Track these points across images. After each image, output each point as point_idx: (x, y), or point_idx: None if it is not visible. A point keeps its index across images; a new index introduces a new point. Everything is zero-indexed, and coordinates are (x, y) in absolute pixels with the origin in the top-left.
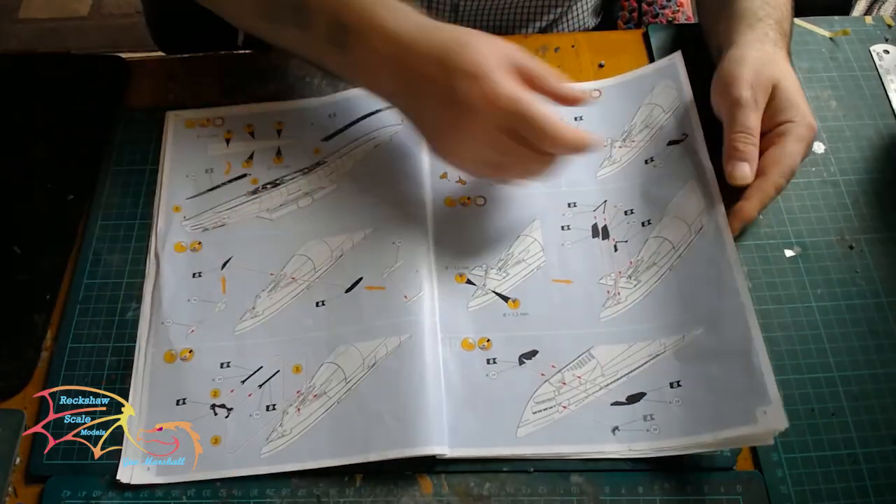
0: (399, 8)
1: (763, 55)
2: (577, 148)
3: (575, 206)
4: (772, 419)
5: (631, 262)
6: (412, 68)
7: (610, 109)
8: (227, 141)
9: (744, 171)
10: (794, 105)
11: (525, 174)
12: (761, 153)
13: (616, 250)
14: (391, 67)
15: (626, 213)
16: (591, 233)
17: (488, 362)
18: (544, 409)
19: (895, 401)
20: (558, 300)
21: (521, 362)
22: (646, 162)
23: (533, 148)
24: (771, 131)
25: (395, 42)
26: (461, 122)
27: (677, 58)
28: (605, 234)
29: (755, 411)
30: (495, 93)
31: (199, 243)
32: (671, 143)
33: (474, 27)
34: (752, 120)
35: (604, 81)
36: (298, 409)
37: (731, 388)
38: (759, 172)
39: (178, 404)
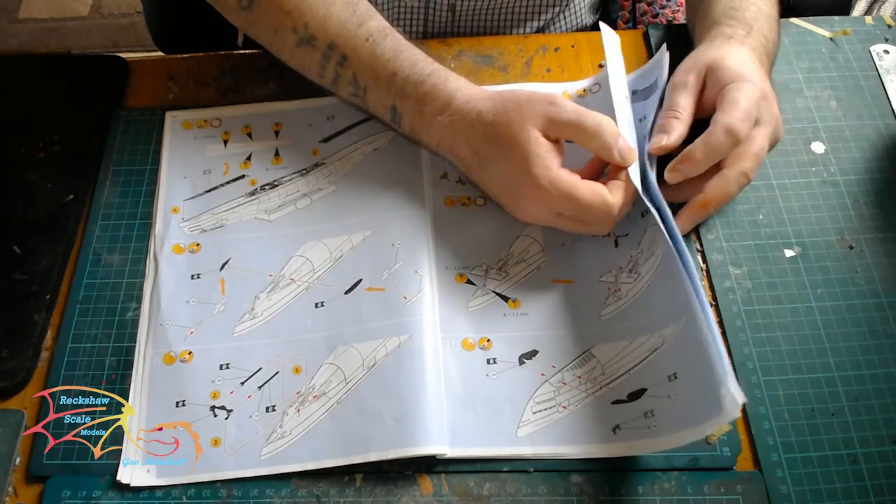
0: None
1: (707, 47)
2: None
3: None
4: (728, 401)
5: (631, 256)
6: (479, 147)
7: (606, 109)
8: (225, 142)
9: (658, 140)
10: (736, 73)
11: (583, 230)
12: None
13: (617, 245)
14: (451, 146)
15: None
16: None
17: (488, 362)
18: (544, 409)
19: (895, 401)
20: (558, 300)
21: (521, 362)
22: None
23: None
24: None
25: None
26: (531, 195)
27: (663, 54)
28: None
29: (720, 392)
30: (555, 187)
31: (198, 245)
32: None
33: (471, 27)
34: (680, 99)
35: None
36: (298, 410)
37: (707, 374)
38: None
39: (177, 406)
